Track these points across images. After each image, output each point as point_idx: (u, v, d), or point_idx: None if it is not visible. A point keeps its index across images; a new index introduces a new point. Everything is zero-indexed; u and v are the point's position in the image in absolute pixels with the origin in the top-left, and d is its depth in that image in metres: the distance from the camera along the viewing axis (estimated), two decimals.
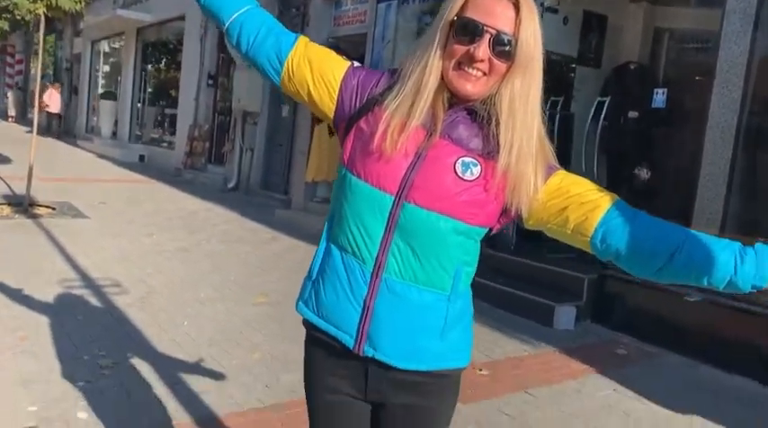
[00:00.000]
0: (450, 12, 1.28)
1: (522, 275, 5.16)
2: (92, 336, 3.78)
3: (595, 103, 5.86)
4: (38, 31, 8.00)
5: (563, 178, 1.34)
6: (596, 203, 1.30)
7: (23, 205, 7.23)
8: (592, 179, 4.78)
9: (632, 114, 5.70)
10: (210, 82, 12.38)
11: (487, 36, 1.24)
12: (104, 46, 19.15)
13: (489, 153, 1.30)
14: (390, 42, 7.59)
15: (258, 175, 10.66)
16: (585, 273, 4.96)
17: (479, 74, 1.27)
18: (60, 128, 19.82)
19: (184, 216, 8.26)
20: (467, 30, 1.25)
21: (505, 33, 1.25)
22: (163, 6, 14.03)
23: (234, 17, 1.45)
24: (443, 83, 1.31)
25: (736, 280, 1.23)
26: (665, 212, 4.98)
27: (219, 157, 11.99)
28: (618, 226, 1.29)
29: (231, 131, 11.32)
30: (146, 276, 5.18)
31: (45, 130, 18.09)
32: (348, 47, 8.68)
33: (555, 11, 5.80)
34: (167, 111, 15.58)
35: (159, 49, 16.59)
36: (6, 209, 7.22)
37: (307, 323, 1.44)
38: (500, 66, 1.26)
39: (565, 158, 5.91)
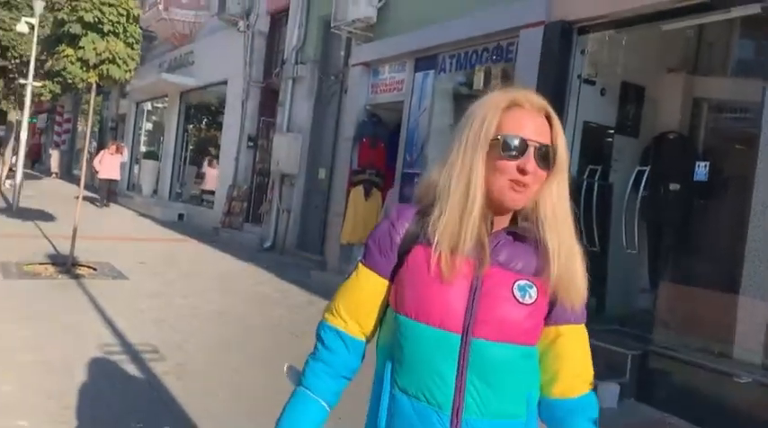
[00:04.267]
0: (488, 130, 1.32)
1: None
2: (130, 406, 3.79)
3: (635, 173, 5.83)
4: (87, 92, 8.34)
5: (582, 332, 1.42)
6: (572, 381, 1.39)
7: (66, 265, 7.40)
8: (632, 250, 4.68)
9: (673, 186, 5.64)
10: (250, 144, 12.70)
11: (532, 149, 1.30)
12: (148, 105, 19.88)
13: (537, 270, 1.34)
14: (426, 110, 7.72)
15: (294, 236, 10.77)
16: (629, 349, 4.82)
17: (526, 185, 1.31)
18: (114, 197, 16.58)
19: (221, 276, 8.34)
20: (513, 146, 1.30)
21: (545, 144, 1.32)
22: (206, 72, 14.58)
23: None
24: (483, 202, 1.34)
25: None
26: (711, 285, 4.85)
27: (257, 217, 12.17)
28: (562, 419, 1.38)
29: (269, 192, 11.52)
30: (182, 341, 5.21)
31: (99, 198, 15.61)
32: (385, 114, 8.87)
33: (592, 82, 5.85)
34: (201, 170, 15.99)
35: (201, 111, 17.15)
36: (51, 269, 7.39)
37: None
38: (542, 175, 1.32)
39: (603, 229, 5.88)
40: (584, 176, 5.89)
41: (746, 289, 4.42)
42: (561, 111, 5.73)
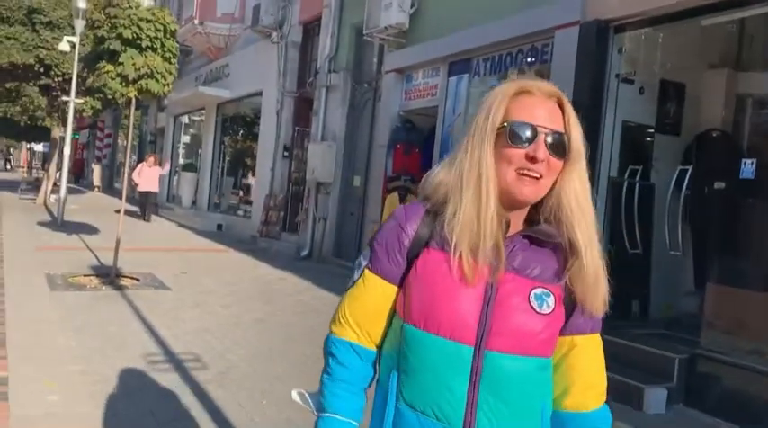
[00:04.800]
0: (495, 117, 1.24)
1: (609, 353, 4.88)
2: (174, 415, 3.83)
3: (677, 172, 5.69)
4: (126, 107, 8.53)
5: (597, 342, 1.35)
6: (586, 394, 1.32)
7: (110, 276, 7.55)
8: (676, 251, 4.57)
9: (718, 185, 5.48)
10: (286, 153, 12.83)
11: (542, 136, 1.21)
12: (186, 118, 20.25)
13: (555, 276, 1.26)
14: (461, 114, 7.68)
15: (330, 244, 10.81)
16: (676, 352, 4.70)
17: (537, 175, 1.22)
18: (154, 209, 16.27)
19: (260, 285, 8.41)
20: (522, 133, 1.21)
21: (558, 131, 1.23)
22: (241, 83, 14.79)
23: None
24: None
25: None
26: (760, 286, 4.68)
27: (293, 226, 12.27)
28: None
29: (305, 201, 11.61)
30: (224, 350, 5.26)
31: (140, 211, 15.69)
32: (419, 120, 8.86)
33: (631, 81, 5.74)
34: (244, 180, 16.17)
35: (237, 122, 17.40)
36: (95, 281, 7.56)
37: None
38: (556, 164, 1.23)
39: (645, 230, 5.75)
40: (625, 176, 5.78)
41: None
42: (599, 111, 5.64)
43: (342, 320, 1.33)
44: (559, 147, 1.22)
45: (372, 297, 1.30)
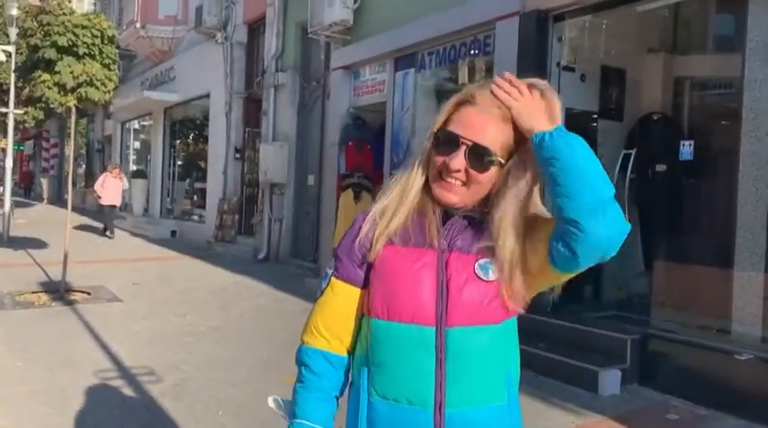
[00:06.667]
0: (436, 124, 1.33)
1: (563, 338, 5.01)
2: None
3: (621, 156, 5.79)
4: (70, 117, 8.28)
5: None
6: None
7: (60, 292, 7.32)
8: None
9: (660, 167, 5.61)
10: (237, 155, 12.65)
11: (463, 147, 1.26)
12: (134, 124, 19.78)
13: (492, 247, 1.31)
14: (410, 109, 7.67)
15: (287, 245, 10.72)
16: (628, 333, 4.79)
17: (458, 183, 1.29)
18: (113, 225, 14.29)
19: (216, 291, 8.27)
20: (444, 141, 1.29)
21: (481, 145, 1.26)
22: (188, 86, 14.51)
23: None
24: (430, 195, 1.34)
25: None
26: (704, 262, 4.79)
27: (249, 229, 12.12)
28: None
29: (259, 203, 11.47)
30: (179, 361, 5.15)
31: (103, 226, 14.31)
32: (369, 116, 8.83)
33: (572, 69, 5.82)
34: (197, 185, 15.88)
35: (187, 126, 17.08)
36: (44, 297, 7.32)
37: None
38: (477, 176, 1.27)
39: None
40: None
41: (739, 263, 4.39)
42: None
43: (314, 329, 1.40)
44: (479, 161, 1.26)
45: (341, 302, 1.37)
